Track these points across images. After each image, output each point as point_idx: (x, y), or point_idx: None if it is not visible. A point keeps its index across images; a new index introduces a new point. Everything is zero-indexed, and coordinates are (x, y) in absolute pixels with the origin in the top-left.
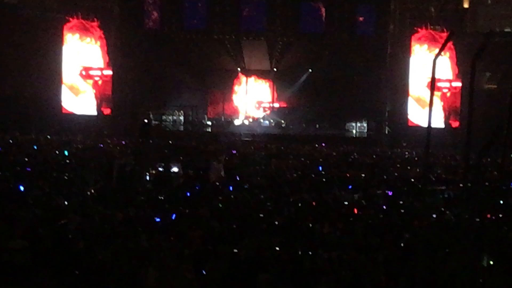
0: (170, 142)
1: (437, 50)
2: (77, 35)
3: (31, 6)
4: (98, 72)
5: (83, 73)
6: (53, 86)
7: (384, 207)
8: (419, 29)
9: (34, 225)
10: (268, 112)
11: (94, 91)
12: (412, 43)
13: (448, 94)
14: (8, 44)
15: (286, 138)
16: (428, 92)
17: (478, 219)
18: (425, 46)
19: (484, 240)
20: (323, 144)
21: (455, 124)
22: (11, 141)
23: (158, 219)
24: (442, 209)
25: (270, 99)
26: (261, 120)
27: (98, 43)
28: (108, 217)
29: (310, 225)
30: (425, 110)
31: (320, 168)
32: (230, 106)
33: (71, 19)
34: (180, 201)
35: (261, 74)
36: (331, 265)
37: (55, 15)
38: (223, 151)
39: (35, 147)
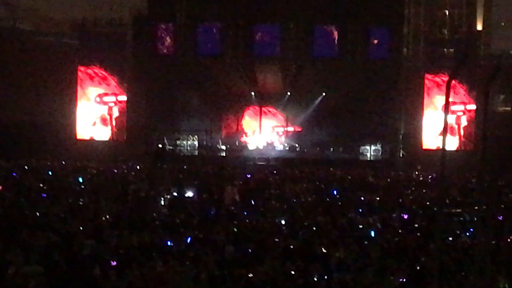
0: (185, 166)
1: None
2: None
3: (46, 33)
4: (113, 98)
5: (97, 99)
6: (67, 112)
7: (400, 230)
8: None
9: (49, 250)
10: (283, 136)
11: (109, 116)
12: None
13: (463, 117)
14: (23, 70)
15: (301, 162)
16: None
17: (494, 242)
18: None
19: (500, 263)
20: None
21: (470, 146)
22: (26, 167)
23: (173, 244)
24: (458, 232)
25: (283, 123)
26: (275, 144)
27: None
28: (123, 242)
29: (325, 249)
30: (440, 133)
31: (335, 191)
32: (243, 131)
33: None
34: (195, 226)
35: (275, 98)
36: None
37: (70, 42)
38: (237, 175)
39: (50, 173)
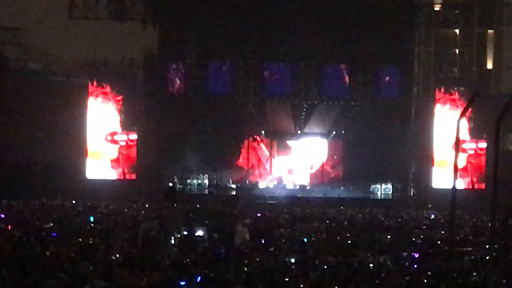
0: (196, 206)
1: (453, 110)
2: (93, 99)
3: (55, 72)
4: (124, 137)
5: (109, 138)
6: (78, 151)
7: (411, 269)
8: (438, 92)
9: None
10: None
11: (119, 155)
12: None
13: (475, 156)
14: (33, 109)
15: (311, 201)
16: (453, 154)
17: (505, 281)
18: (447, 106)
19: None
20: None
21: (481, 185)
22: (36, 207)
23: (183, 283)
24: (469, 271)
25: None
26: (286, 183)
27: (114, 105)
28: (134, 282)
29: None
30: (451, 172)
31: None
32: (255, 169)
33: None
34: (206, 265)
35: (286, 137)
36: None
37: (79, 81)
38: (248, 214)
39: (60, 213)
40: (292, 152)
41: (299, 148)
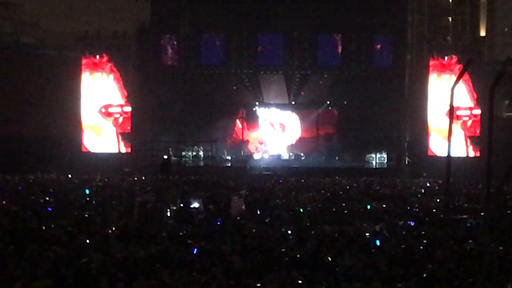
0: (193, 177)
1: (446, 77)
2: (87, 73)
3: (48, 46)
4: (118, 109)
5: (103, 110)
6: (72, 124)
7: (407, 237)
8: (431, 59)
9: (57, 264)
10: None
11: (114, 128)
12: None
13: (469, 123)
14: (27, 84)
15: (306, 171)
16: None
17: (501, 248)
18: (435, 74)
19: (508, 269)
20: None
21: (476, 152)
22: (32, 181)
23: (180, 255)
24: (465, 238)
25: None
26: (281, 154)
27: (111, 76)
28: (130, 255)
29: (332, 257)
30: (445, 139)
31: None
32: (249, 140)
33: (83, 58)
34: (202, 237)
35: (280, 107)
36: None
37: (73, 54)
38: (243, 185)
39: (56, 187)
40: (260, 124)
41: (267, 119)
